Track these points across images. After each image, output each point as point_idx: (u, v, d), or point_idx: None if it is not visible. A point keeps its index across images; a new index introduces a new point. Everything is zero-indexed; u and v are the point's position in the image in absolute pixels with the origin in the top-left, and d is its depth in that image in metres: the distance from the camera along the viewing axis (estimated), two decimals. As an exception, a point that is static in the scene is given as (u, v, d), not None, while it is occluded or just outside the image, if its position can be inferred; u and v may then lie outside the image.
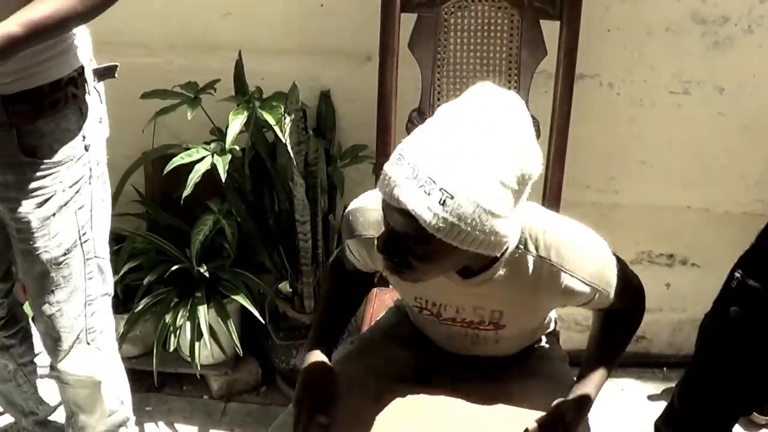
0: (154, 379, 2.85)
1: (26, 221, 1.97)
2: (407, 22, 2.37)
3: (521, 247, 1.66)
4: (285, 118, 2.44)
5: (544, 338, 2.08)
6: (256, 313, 2.71)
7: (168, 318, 2.74)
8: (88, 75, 2.00)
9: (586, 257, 1.70)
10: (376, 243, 1.57)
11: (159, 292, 2.81)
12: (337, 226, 2.78)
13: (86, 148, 2.00)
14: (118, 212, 2.88)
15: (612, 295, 1.74)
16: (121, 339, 2.80)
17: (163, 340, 2.75)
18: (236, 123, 2.47)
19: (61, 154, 1.95)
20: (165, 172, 2.55)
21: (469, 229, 1.45)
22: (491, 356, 1.97)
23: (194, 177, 2.49)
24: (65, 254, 2.04)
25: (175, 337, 2.73)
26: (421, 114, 2.40)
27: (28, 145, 1.91)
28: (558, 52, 2.36)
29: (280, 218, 2.78)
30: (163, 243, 2.81)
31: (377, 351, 2.05)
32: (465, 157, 1.42)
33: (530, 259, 1.67)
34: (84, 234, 2.06)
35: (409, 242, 1.49)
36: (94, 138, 2.03)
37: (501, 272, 1.68)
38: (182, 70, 2.76)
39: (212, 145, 2.57)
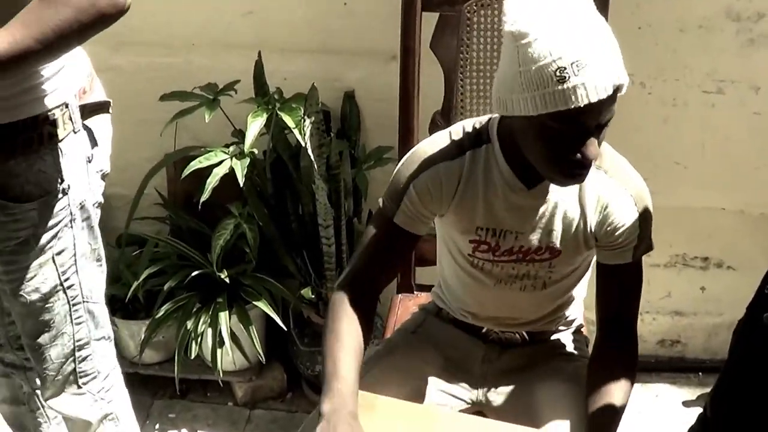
0: (176, 386, 2.80)
1: None
2: (429, 20, 2.30)
3: None
4: (305, 121, 2.38)
5: (571, 341, 2.06)
6: (278, 320, 2.66)
7: (189, 324, 2.70)
8: (74, 112, 1.87)
9: (632, 175, 1.82)
10: (572, 156, 1.60)
11: (180, 298, 2.76)
12: (362, 230, 2.72)
13: (64, 191, 1.87)
14: (139, 215, 2.87)
15: (638, 233, 1.80)
16: (143, 345, 2.80)
17: (184, 347, 2.71)
18: (255, 125, 2.42)
19: (33, 197, 1.83)
20: (183, 176, 2.50)
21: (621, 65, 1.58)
22: (530, 323, 1.98)
23: (212, 181, 2.45)
24: (44, 299, 1.94)
25: (196, 344, 2.68)
26: (444, 115, 2.33)
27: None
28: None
29: (304, 222, 2.73)
30: (185, 247, 2.77)
31: (404, 350, 2.02)
32: (588, 30, 1.53)
33: None
34: (67, 279, 1.95)
35: (602, 127, 1.60)
36: (77, 179, 1.90)
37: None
38: (203, 69, 2.72)
39: (232, 148, 2.52)
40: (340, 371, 1.70)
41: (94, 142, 1.99)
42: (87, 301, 2.02)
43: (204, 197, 2.46)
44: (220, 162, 2.48)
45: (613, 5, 2.28)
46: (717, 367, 2.77)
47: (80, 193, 1.91)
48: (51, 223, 1.87)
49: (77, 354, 2.05)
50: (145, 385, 3.03)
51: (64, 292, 1.96)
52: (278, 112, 2.45)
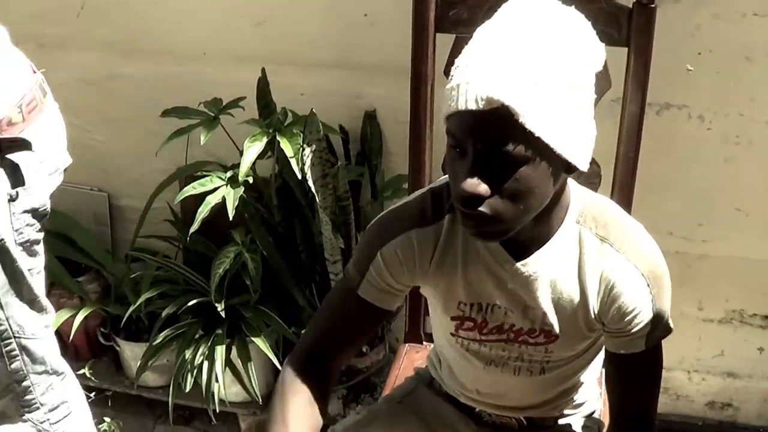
0: (170, 415, 2.62)
1: None
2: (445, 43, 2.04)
3: (580, 220, 1.51)
4: (304, 150, 2.14)
5: (581, 428, 1.82)
6: (275, 360, 2.44)
7: (188, 354, 2.51)
8: None
9: (645, 248, 1.54)
10: (455, 186, 1.36)
11: (181, 324, 2.58)
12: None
13: None
14: (150, 230, 2.69)
15: (653, 310, 1.52)
16: (139, 371, 2.64)
17: (181, 376, 2.53)
18: (252, 151, 2.21)
19: None
20: (176, 200, 2.30)
21: (561, 110, 1.31)
22: (529, 408, 1.75)
23: (204, 211, 2.23)
24: None
25: (191, 376, 2.49)
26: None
27: None
28: (625, 84, 1.99)
29: (315, 253, 2.49)
30: (188, 272, 2.57)
31: (387, 422, 1.82)
32: (533, 45, 1.31)
33: (586, 238, 1.51)
34: None
35: (496, 163, 1.32)
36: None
37: (553, 252, 1.51)
38: (212, 81, 2.53)
39: (229, 173, 2.30)
40: None
41: (18, 180, 1.78)
42: (18, 337, 1.89)
43: (194, 228, 2.26)
44: (215, 189, 2.26)
45: (668, 26, 2.02)
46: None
47: (2, 234, 1.76)
48: None
49: (15, 386, 1.94)
50: (148, 407, 2.89)
51: None
52: (278, 138, 2.22)
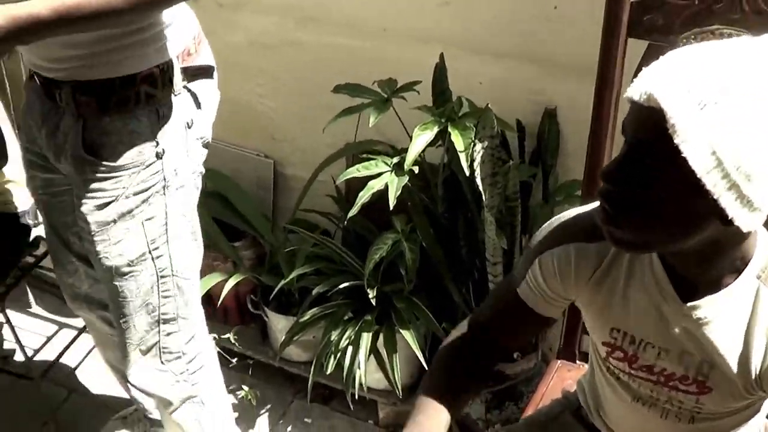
0: (308, 392, 2.58)
1: (86, 221, 1.82)
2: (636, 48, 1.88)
3: (761, 276, 1.34)
4: (475, 145, 2.02)
5: None
6: (421, 356, 2.35)
7: (334, 335, 2.45)
8: (176, 74, 1.78)
9: None
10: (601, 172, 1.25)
11: (331, 304, 2.52)
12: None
13: (159, 155, 1.79)
14: (312, 203, 2.64)
15: None
16: (282, 345, 2.62)
17: (324, 357, 2.48)
18: (421, 140, 2.10)
19: (125, 158, 1.77)
20: (338, 181, 2.23)
21: (724, 151, 1.14)
22: None
23: (365, 195, 2.15)
24: (130, 266, 1.87)
25: (334, 359, 2.43)
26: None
27: (92, 141, 1.77)
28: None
29: (476, 250, 2.38)
30: (344, 252, 2.51)
31: None
32: (737, 72, 1.15)
33: (764, 296, 1.35)
34: (156, 248, 1.86)
35: (646, 161, 1.19)
36: (174, 145, 1.81)
37: (725, 302, 1.35)
38: (390, 60, 2.44)
39: (395, 159, 2.21)
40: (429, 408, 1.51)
41: (197, 106, 1.86)
42: (176, 275, 1.93)
43: (353, 212, 2.19)
44: (379, 174, 2.18)
45: None
46: None
47: (176, 159, 1.83)
48: (142, 187, 1.82)
49: (162, 327, 1.98)
50: (288, 380, 2.85)
51: (152, 262, 1.89)
52: (450, 129, 2.11)
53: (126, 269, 1.87)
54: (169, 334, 1.98)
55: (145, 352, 2.00)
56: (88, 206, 1.80)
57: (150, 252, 1.87)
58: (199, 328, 2.09)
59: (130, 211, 1.81)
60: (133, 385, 2.07)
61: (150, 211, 1.83)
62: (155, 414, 2.24)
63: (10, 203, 2.44)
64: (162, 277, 1.90)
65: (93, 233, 1.83)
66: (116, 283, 1.89)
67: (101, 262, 1.87)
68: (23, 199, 2.46)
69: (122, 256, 1.85)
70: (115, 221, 1.82)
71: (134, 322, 1.94)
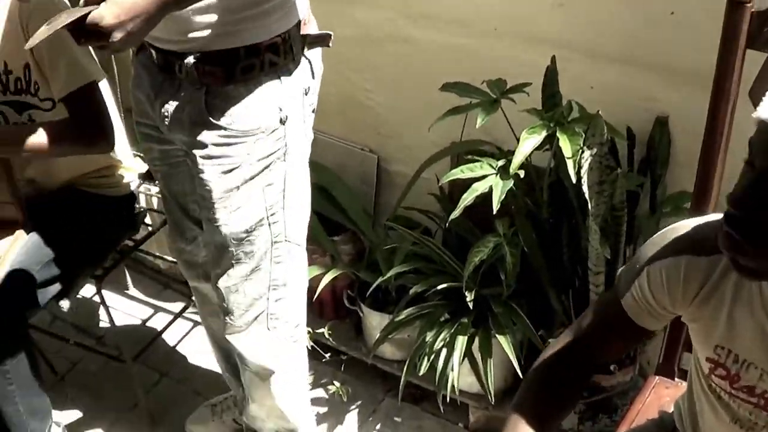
0: (400, 391, 2.56)
1: (208, 189, 1.86)
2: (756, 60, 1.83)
3: None
4: (583, 152, 1.98)
5: None
6: (516, 365, 2.31)
7: (429, 336, 2.43)
8: (296, 41, 1.83)
9: None
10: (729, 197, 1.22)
11: (428, 305, 2.50)
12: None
13: (282, 121, 1.84)
14: (409, 202, 2.63)
15: None
16: (377, 343, 2.61)
17: (417, 358, 2.46)
18: (528, 144, 2.07)
19: (250, 124, 1.82)
20: (441, 182, 2.21)
21: None
22: None
23: (468, 197, 2.12)
24: (248, 232, 1.92)
25: (427, 360, 2.41)
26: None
27: (217, 108, 1.81)
28: None
29: (579, 258, 2.33)
30: (444, 253, 2.48)
31: None
32: None
33: None
34: (273, 214, 1.91)
35: None
36: (294, 111, 1.84)
37: None
38: (501, 59, 2.42)
39: (501, 162, 2.18)
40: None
41: (312, 75, 1.90)
42: (289, 241, 1.98)
43: (455, 214, 2.17)
44: (484, 176, 2.15)
45: None
46: None
47: (295, 126, 1.87)
48: (264, 153, 1.86)
49: (271, 293, 2.01)
50: (381, 378, 2.84)
51: (269, 227, 1.93)
52: (559, 134, 2.07)
53: (243, 235, 1.91)
54: (277, 300, 2.02)
55: (252, 319, 2.03)
56: (212, 173, 1.84)
57: (267, 218, 1.91)
58: (304, 298, 2.13)
59: (252, 177, 1.86)
60: (237, 354, 2.08)
61: (270, 177, 1.87)
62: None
63: (120, 186, 2.48)
64: (275, 242, 1.94)
65: (215, 200, 1.87)
66: (231, 249, 1.93)
67: (219, 229, 1.90)
68: (132, 182, 2.50)
69: (242, 222, 1.89)
70: (238, 187, 1.86)
71: (244, 287, 1.97)
